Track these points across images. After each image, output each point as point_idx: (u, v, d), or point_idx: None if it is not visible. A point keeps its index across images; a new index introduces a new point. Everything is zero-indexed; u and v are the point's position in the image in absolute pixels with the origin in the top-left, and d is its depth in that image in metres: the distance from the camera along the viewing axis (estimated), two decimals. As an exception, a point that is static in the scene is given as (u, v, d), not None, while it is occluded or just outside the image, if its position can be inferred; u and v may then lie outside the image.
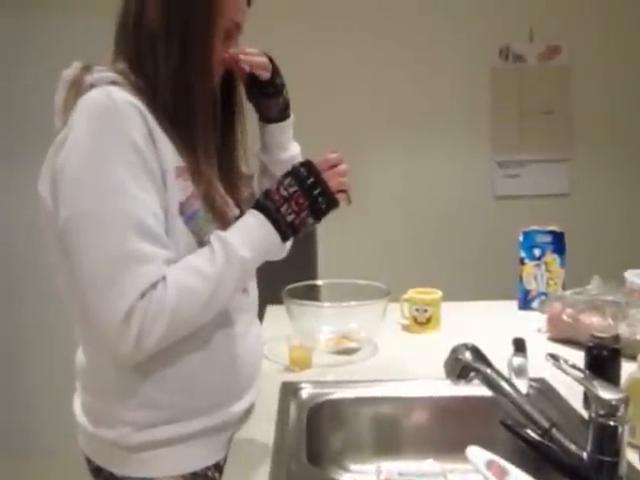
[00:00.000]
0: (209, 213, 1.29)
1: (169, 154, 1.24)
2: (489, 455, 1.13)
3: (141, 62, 1.28)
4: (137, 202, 1.17)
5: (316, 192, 1.29)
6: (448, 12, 3.88)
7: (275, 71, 1.48)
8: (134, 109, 1.19)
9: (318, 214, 1.31)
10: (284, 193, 1.29)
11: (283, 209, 1.28)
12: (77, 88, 1.24)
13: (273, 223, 1.27)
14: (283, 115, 1.54)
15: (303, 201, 1.28)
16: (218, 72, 1.37)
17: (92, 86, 1.22)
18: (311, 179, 1.30)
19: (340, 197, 1.33)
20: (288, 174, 1.31)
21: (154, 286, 1.16)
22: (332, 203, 1.32)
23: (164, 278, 1.17)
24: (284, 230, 1.28)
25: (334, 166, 1.33)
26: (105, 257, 1.15)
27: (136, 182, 1.18)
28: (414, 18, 3.88)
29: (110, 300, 1.14)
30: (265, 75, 1.45)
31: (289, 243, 1.44)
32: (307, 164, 1.32)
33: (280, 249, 1.34)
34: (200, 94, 1.30)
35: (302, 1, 3.76)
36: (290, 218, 1.28)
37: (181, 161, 1.26)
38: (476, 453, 1.13)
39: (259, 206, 1.29)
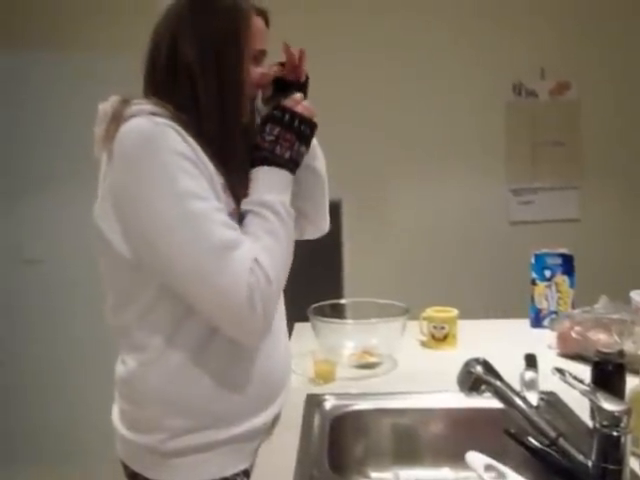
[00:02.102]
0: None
1: (213, 173, 1.25)
2: (488, 460, 1.11)
3: (177, 94, 1.28)
4: (206, 200, 1.19)
5: (296, 123, 1.34)
6: (467, 51, 3.90)
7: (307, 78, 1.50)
8: (176, 132, 1.20)
9: (307, 140, 1.37)
10: (270, 138, 1.33)
11: (277, 150, 1.32)
12: (118, 120, 1.24)
13: (276, 166, 1.31)
14: None
15: (290, 136, 1.33)
16: (253, 94, 1.40)
17: (132, 117, 1.23)
18: (287, 115, 1.34)
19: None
20: (264, 122, 1.35)
21: (252, 262, 1.19)
22: (313, 126, 1.38)
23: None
24: (288, 166, 1.33)
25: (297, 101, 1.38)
26: (202, 254, 1.16)
27: (198, 185, 1.19)
28: (435, 56, 3.90)
29: (227, 288, 1.17)
30: (302, 77, 1.48)
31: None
32: (276, 107, 1.36)
33: (292, 183, 1.36)
34: (237, 119, 1.32)
35: (325, 42, 3.79)
36: (287, 155, 1.33)
37: (222, 180, 1.27)
38: (475, 458, 1.11)
39: (257, 161, 1.33)
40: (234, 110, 1.31)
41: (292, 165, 1.34)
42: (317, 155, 1.55)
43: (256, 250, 1.21)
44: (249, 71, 1.33)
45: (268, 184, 1.30)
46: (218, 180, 1.25)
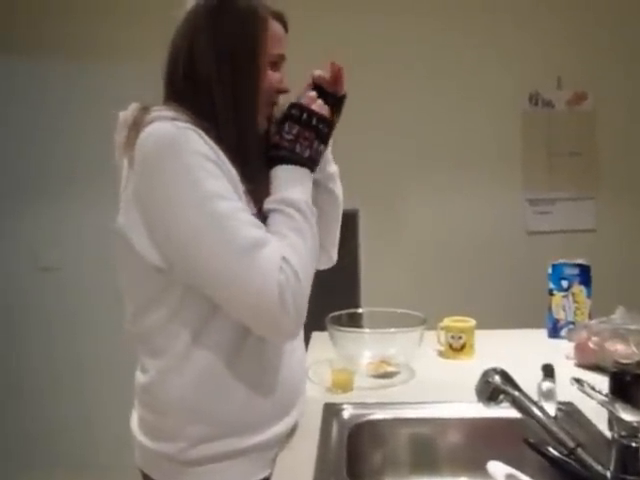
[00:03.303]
0: None
1: (235, 176, 1.25)
2: (509, 469, 1.10)
3: (196, 101, 1.28)
4: (231, 201, 1.19)
5: (314, 122, 1.34)
6: (484, 61, 3.90)
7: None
8: (197, 134, 1.20)
9: (325, 139, 1.37)
10: (289, 137, 1.33)
11: (297, 149, 1.32)
12: (138, 127, 1.23)
13: (297, 164, 1.32)
14: None
15: (309, 135, 1.33)
16: (272, 99, 1.38)
17: (153, 122, 1.22)
18: (305, 114, 1.34)
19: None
20: (282, 121, 1.35)
21: (281, 260, 1.18)
22: (331, 125, 1.38)
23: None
24: (308, 164, 1.33)
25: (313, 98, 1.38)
26: (231, 254, 1.16)
27: (222, 186, 1.19)
28: (452, 66, 3.91)
29: (258, 287, 1.16)
30: (341, 91, 1.45)
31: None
32: (294, 105, 1.35)
33: (312, 181, 1.35)
34: (253, 124, 1.32)
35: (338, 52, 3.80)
36: (307, 153, 1.33)
37: (243, 186, 1.27)
38: (496, 467, 1.11)
39: (275, 160, 1.33)
40: (249, 115, 1.30)
41: (311, 164, 1.34)
42: (336, 180, 1.56)
43: (283, 248, 1.20)
44: (266, 75, 1.33)
45: (290, 182, 1.30)
46: (239, 185, 1.25)
